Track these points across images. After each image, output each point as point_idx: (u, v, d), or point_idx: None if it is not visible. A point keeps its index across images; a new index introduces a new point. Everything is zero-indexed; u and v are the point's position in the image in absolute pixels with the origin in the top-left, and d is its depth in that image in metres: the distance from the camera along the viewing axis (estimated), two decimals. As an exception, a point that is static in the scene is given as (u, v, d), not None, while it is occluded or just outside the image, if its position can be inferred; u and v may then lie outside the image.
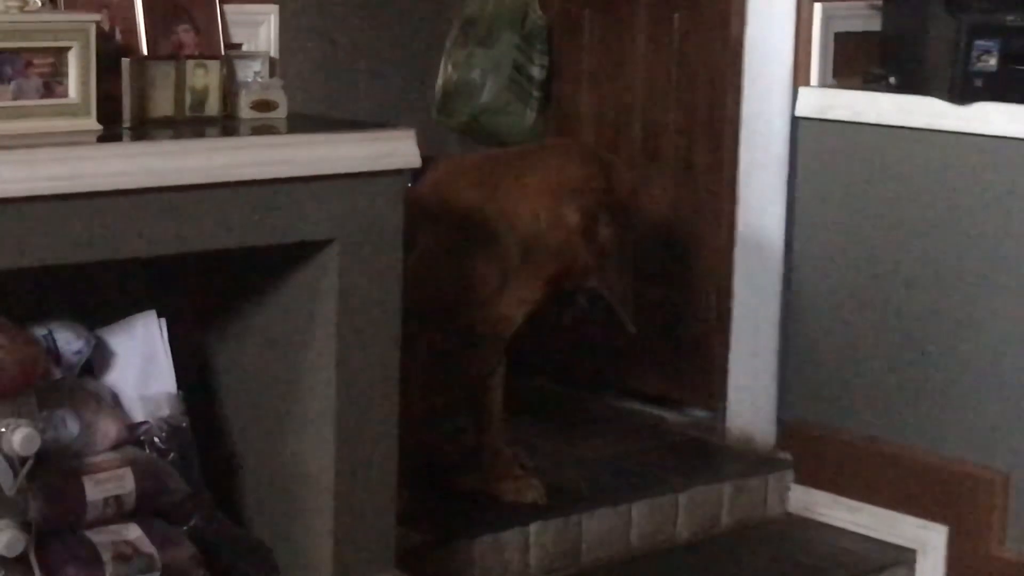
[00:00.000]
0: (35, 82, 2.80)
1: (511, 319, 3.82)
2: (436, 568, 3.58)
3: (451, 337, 3.76)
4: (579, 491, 4.06)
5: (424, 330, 3.60)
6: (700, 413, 4.62)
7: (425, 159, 3.17)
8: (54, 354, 2.84)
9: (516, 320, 3.82)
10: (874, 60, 4.22)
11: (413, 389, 3.47)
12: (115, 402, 2.95)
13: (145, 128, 2.98)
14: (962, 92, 3.94)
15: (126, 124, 2.96)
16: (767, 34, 4.33)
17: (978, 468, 3.99)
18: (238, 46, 3.23)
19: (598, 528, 3.93)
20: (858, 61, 4.26)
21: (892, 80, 4.13)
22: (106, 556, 2.78)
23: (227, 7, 3.18)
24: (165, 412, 2.98)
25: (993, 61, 3.93)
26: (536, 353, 4.45)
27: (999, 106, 3.91)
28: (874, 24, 4.25)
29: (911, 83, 4.07)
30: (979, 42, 3.92)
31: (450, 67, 4.93)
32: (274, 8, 3.45)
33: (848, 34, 4.28)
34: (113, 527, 2.83)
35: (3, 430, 2.64)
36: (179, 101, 3.05)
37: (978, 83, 3.93)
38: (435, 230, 3.65)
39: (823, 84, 4.27)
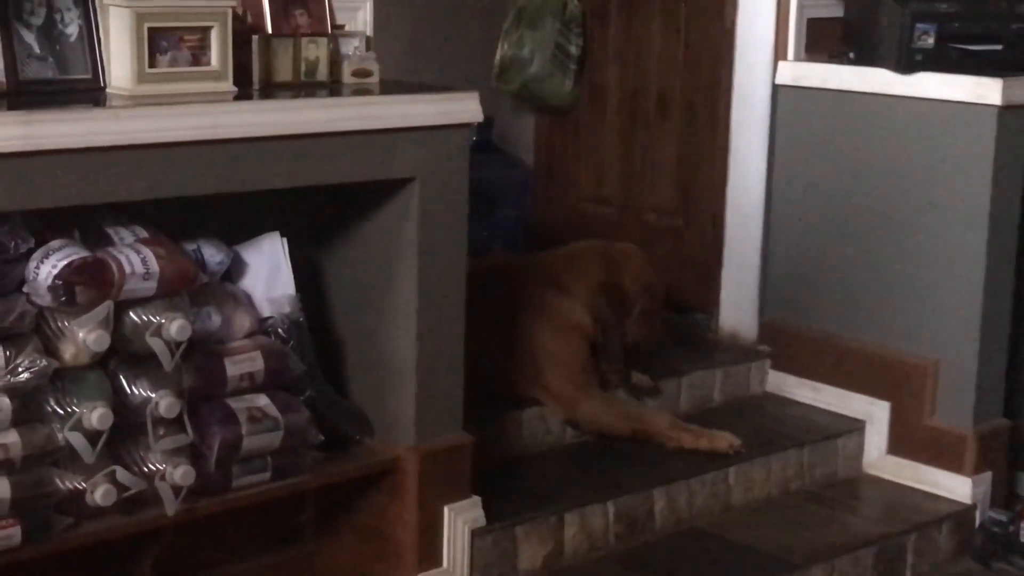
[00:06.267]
0: (185, 53, 2.81)
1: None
2: (493, 430, 3.59)
3: None
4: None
5: None
6: (699, 315, 4.59)
7: (487, 117, 3.16)
8: (201, 264, 2.84)
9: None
10: (838, 39, 4.17)
11: None
12: (248, 301, 2.96)
13: (270, 90, 2.98)
14: (906, 64, 3.89)
15: (255, 87, 2.96)
16: (754, 20, 4.27)
17: (914, 357, 3.97)
18: (342, 27, 3.20)
19: (619, 402, 3.92)
20: (825, 40, 4.20)
21: (851, 55, 4.07)
22: (242, 418, 2.82)
23: (333, -4, 3.18)
24: (286, 309, 2.99)
25: (931, 40, 3.88)
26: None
27: (935, 75, 3.86)
28: (838, 11, 4.18)
29: (866, 57, 4.02)
30: (919, 25, 3.87)
31: (506, 45, 4.88)
32: (370, -2, 3.44)
33: (818, 19, 4.22)
34: (247, 396, 2.86)
35: (163, 321, 2.67)
36: (296, 69, 3.03)
37: (919, 58, 3.88)
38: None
39: (797, 59, 4.21)
